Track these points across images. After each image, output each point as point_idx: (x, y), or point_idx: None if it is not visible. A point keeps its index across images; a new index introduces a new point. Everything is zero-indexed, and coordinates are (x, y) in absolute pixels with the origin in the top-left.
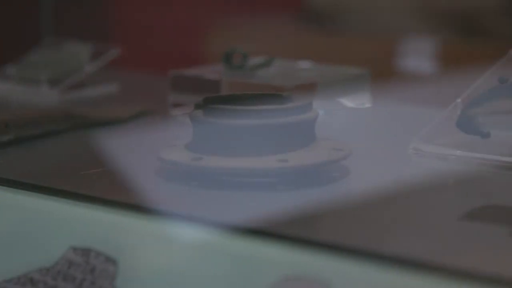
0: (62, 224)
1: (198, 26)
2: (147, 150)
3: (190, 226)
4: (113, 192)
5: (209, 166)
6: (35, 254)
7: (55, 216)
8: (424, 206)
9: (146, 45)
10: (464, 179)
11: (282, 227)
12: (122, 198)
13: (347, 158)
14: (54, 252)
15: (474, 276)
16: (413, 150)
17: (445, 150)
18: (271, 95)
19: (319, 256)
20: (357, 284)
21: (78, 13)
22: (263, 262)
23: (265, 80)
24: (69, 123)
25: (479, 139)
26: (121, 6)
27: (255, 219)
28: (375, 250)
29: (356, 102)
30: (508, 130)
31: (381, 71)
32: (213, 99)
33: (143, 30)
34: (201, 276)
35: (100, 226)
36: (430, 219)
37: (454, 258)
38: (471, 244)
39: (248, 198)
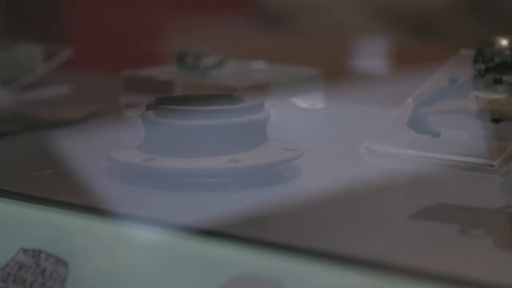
0: (12, 225)
1: (153, 27)
2: (99, 151)
3: (141, 227)
4: (64, 194)
5: (160, 166)
6: None
7: (5, 218)
8: (375, 206)
9: (100, 46)
10: (415, 179)
11: (233, 227)
12: (73, 199)
13: (299, 158)
14: (4, 254)
15: (424, 275)
16: (364, 150)
17: (396, 150)
18: (223, 95)
19: (270, 256)
20: (308, 284)
21: (31, 14)
22: (214, 262)
23: (218, 80)
24: (22, 124)
25: (430, 139)
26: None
27: (206, 220)
28: (326, 250)
29: (308, 102)
30: (459, 129)
31: (334, 71)
32: (165, 99)
33: (96, 30)
34: (152, 277)
35: (51, 228)
36: (381, 219)
37: (404, 258)
38: (421, 243)
39: (199, 198)
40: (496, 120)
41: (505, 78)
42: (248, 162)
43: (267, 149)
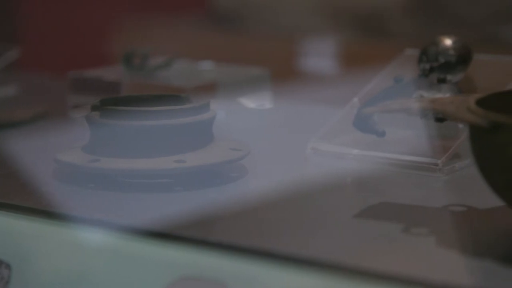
0: None
1: (102, 27)
2: (45, 153)
3: (86, 229)
4: (9, 195)
5: (105, 167)
6: None
7: None
8: (321, 205)
9: (47, 46)
10: (360, 178)
11: (179, 228)
12: (17, 201)
13: (245, 158)
14: None
15: (367, 274)
16: (310, 150)
17: (342, 149)
18: (169, 96)
19: (216, 256)
20: (253, 284)
21: None
22: (159, 263)
23: (165, 81)
24: None
25: (375, 138)
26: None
27: (152, 221)
28: (271, 250)
29: (256, 102)
30: (404, 129)
31: (283, 71)
32: (110, 100)
33: (44, 31)
34: (97, 278)
35: None
36: (326, 218)
37: (347, 257)
38: (364, 242)
39: (145, 199)
40: (440, 120)
41: (449, 77)
42: (194, 162)
43: (213, 149)
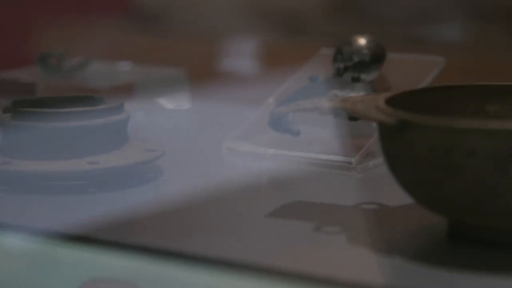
0: None
1: (19, 27)
2: None
3: None
4: None
5: (17, 170)
6: None
7: None
8: (235, 205)
9: None
10: (275, 177)
11: (91, 230)
12: None
13: (161, 159)
14: None
15: (279, 273)
16: (226, 150)
17: (258, 149)
18: (83, 97)
19: (127, 258)
20: (164, 285)
21: None
22: (71, 264)
23: (81, 81)
24: None
25: (291, 137)
26: None
27: (64, 223)
28: (182, 251)
29: (174, 102)
30: (319, 128)
31: (204, 71)
32: (23, 102)
33: None
34: (9, 282)
35: None
36: (240, 218)
37: (260, 256)
38: (277, 241)
39: (58, 201)
40: (353, 119)
41: (363, 76)
42: (108, 163)
43: (128, 150)
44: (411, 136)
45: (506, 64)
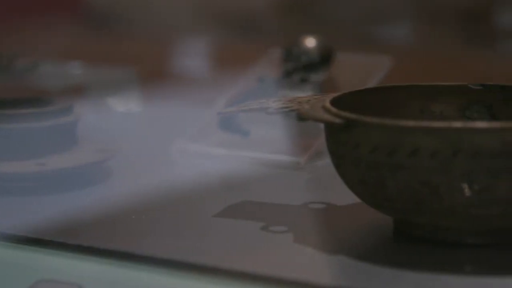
0: None
1: None
2: None
3: None
4: None
5: None
6: None
7: None
8: (184, 205)
9: None
10: (225, 177)
11: (38, 231)
12: None
13: (111, 160)
14: None
15: (225, 273)
16: (176, 150)
17: (208, 150)
18: (32, 98)
19: (73, 259)
20: (112, 286)
21: None
22: (18, 266)
23: (31, 83)
24: None
25: (240, 138)
26: None
27: (11, 224)
28: (130, 252)
29: (125, 103)
30: (268, 128)
31: (156, 72)
32: None
33: None
34: None
35: None
36: (189, 218)
37: (207, 257)
38: (224, 241)
39: (5, 203)
40: (302, 119)
41: (311, 77)
42: (56, 165)
43: (77, 152)
44: (355, 136)
45: (453, 64)
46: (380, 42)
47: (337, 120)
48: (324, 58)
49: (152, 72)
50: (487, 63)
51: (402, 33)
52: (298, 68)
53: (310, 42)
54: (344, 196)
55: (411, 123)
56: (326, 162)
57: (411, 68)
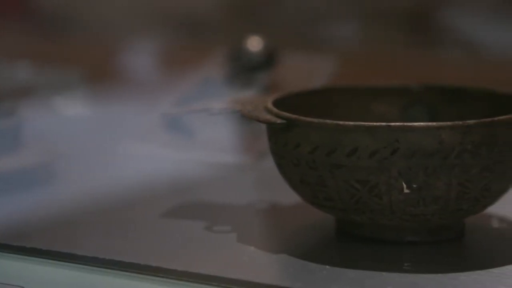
0: None
1: None
2: None
3: None
4: None
5: None
6: None
7: None
8: (129, 207)
9: None
10: (171, 178)
11: None
12: None
13: (56, 162)
14: None
15: (169, 273)
16: (123, 152)
17: (154, 151)
18: None
19: (16, 261)
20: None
21: None
22: None
23: None
24: None
25: (186, 139)
26: None
27: None
28: (74, 253)
29: (71, 105)
30: (215, 129)
31: (103, 74)
32: None
33: None
34: None
35: None
36: (134, 219)
37: (152, 257)
38: (169, 241)
39: None
40: (246, 119)
41: (255, 77)
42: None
43: (21, 154)
44: (296, 136)
45: (397, 65)
46: (325, 42)
47: (278, 121)
48: (269, 59)
49: (99, 73)
50: (431, 64)
51: (347, 34)
52: (243, 69)
53: (255, 42)
54: (288, 196)
55: (349, 123)
56: (271, 162)
57: (355, 68)
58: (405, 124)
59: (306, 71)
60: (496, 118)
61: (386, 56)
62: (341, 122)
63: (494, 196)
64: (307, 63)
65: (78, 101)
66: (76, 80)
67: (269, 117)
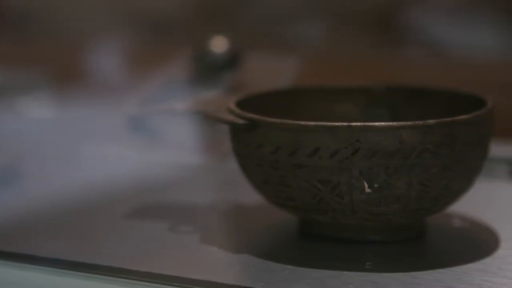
0: None
1: None
2: None
3: None
4: None
5: None
6: None
7: None
8: (93, 207)
9: None
10: (135, 179)
11: None
12: None
13: (19, 164)
14: None
15: (131, 273)
16: (86, 153)
17: (118, 151)
18: None
19: None
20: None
21: None
22: None
23: None
24: None
25: (151, 139)
26: None
27: None
28: (36, 255)
29: (36, 106)
30: (179, 130)
31: (67, 74)
32: None
33: None
34: None
35: None
36: (97, 220)
37: (114, 258)
38: (132, 242)
39: None
40: (209, 120)
41: (220, 78)
42: None
43: None
44: (258, 137)
45: (363, 65)
46: (291, 43)
47: (240, 121)
48: (233, 59)
49: (64, 74)
50: (395, 64)
51: (313, 34)
52: (207, 69)
53: (220, 42)
54: (252, 196)
55: (311, 123)
56: (234, 163)
57: (321, 69)
58: (366, 124)
59: (271, 72)
60: (456, 118)
61: (351, 57)
62: (302, 122)
63: (455, 195)
64: (272, 63)
65: (42, 102)
66: (41, 81)
67: (231, 117)
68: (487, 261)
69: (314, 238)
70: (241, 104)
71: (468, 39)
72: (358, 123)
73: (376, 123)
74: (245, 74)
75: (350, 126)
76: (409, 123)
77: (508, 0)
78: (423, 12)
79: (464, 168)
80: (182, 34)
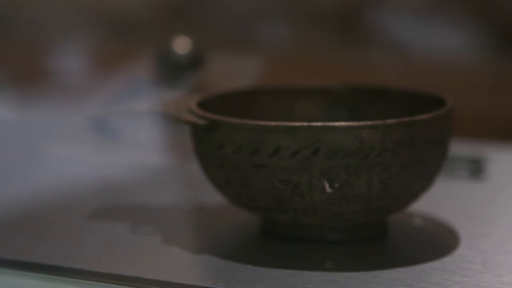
0: None
1: None
2: None
3: None
4: None
5: None
6: None
7: None
8: (55, 209)
9: None
10: (97, 180)
11: None
12: None
13: None
14: None
15: (92, 274)
16: (48, 153)
17: (79, 152)
18: None
19: None
20: None
21: None
22: None
23: None
24: None
25: (113, 140)
26: None
27: None
28: None
29: None
30: (143, 130)
31: (30, 74)
32: None
33: None
34: None
35: None
36: (59, 222)
37: (75, 260)
38: (94, 243)
39: None
40: (170, 120)
41: (182, 78)
42: None
43: None
44: (219, 137)
45: (327, 65)
46: (254, 43)
47: (201, 122)
48: (196, 59)
49: (26, 74)
50: (360, 64)
51: (277, 34)
52: (170, 69)
53: (183, 42)
54: (213, 196)
55: (271, 123)
56: (196, 163)
57: (285, 69)
58: (326, 124)
59: (234, 72)
60: (415, 118)
61: (315, 56)
62: (263, 122)
63: (415, 194)
64: (235, 63)
65: (4, 103)
66: (2, 81)
67: (192, 118)
68: (447, 259)
69: (275, 238)
70: (202, 104)
71: (431, 40)
72: (319, 123)
73: (337, 123)
74: (208, 75)
75: (310, 126)
76: (369, 122)
77: (472, 0)
78: (386, 12)
79: (424, 167)
80: (145, 34)
